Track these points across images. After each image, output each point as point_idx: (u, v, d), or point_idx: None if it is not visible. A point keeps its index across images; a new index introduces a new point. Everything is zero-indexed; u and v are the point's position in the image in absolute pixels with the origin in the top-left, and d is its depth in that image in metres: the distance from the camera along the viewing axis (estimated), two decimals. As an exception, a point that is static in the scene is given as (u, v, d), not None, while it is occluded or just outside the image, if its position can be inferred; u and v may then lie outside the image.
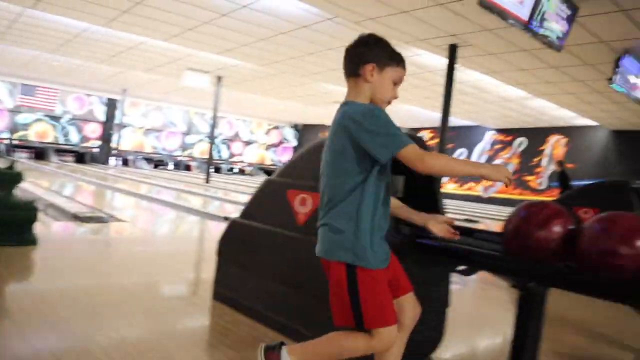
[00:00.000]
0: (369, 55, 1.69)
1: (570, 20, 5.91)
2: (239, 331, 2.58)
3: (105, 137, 23.04)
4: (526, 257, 1.73)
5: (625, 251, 1.53)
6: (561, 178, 12.18)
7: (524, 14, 5.29)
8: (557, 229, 1.70)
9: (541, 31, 5.65)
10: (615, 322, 3.46)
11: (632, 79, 8.21)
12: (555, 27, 5.79)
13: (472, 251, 1.92)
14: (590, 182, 9.36)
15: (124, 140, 23.14)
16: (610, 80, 7.80)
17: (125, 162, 23.36)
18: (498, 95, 12.72)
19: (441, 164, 1.58)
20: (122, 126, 22.06)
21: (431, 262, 2.23)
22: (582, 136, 16.93)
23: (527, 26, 5.42)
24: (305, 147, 2.85)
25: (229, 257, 3.09)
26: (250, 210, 3.01)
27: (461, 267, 2.12)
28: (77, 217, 5.89)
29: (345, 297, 1.59)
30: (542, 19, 5.55)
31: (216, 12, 7.82)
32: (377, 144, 1.54)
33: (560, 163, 12.54)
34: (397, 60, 1.74)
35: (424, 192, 2.56)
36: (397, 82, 1.74)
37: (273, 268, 2.71)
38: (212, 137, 16.18)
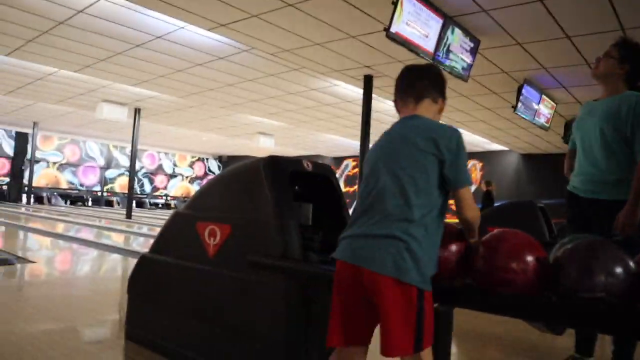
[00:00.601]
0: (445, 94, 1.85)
1: (473, 52, 6.29)
2: (152, 372, 2.47)
3: (16, 173, 21.67)
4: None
5: (514, 266, 1.62)
6: (486, 198, 12.63)
7: (429, 46, 5.57)
8: (454, 247, 1.77)
9: (447, 62, 5.97)
10: (531, 336, 3.61)
11: (535, 106, 8.81)
12: (460, 58, 6.13)
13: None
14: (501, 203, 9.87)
15: (36, 176, 21.85)
16: (514, 108, 8.33)
17: (40, 200, 22.01)
18: (415, 123, 13.18)
19: (477, 217, 1.71)
20: (34, 161, 20.81)
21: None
22: (496, 160, 17.90)
23: (434, 58, 5.71)
24: (210, 179, 2.82)
25: (140, 294, 2.97)
26: (160, 244, 2.91)
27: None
28: (-23, 261, 5.46)
29: (412, 319, 1.52)
30: (448, 51, 5.87)
31: (130, 42, 7.66)
32: (464, 173, 1.64)
33: (488, 183, 13.00)
34: None
35: (333, 220, 2.59)
36: None
37: (185, 303, 2.63)
38: (132, 171, 15.65)
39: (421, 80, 1.82)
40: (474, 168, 18.75)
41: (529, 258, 1.61)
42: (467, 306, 1.76)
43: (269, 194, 2.26)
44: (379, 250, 1.54)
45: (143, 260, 2.97)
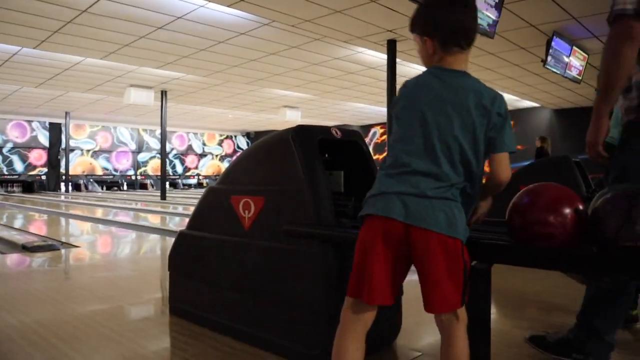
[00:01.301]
0: None
1: (498, 7, 6.11)
2: (200, 344, 2.55)
3: (53, 163, 22.31)
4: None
5: (552, 219, 1.60)
6: (539, 155, 12.20)
7: (453, 3, 5.43)
8: (489, 205, 1.76)
9: (472, 19, 5.81)
10: (570, 292, 3.59)
11: (565, 58, 8.54)
12: (485, 15, 5.97)
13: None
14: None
15: (72, 165, 22.43)
16: (544, 62, 8.09)
17: (77, 187, 22.66)
18: (442, 86, 12.96)
19: (508, 180, 1.65)
20: (69, 150, 21.34)
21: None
22: (527, 118, 17.49)
23: (458, 15, 5.56)
24: (241, 153, 2.85)
25: (181, 270, 3.05)
26: (196, 220, 2.98)
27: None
28: (25, 248, 5.67)
29: (460, 273, 1.54)
30: (472, 8, 5.71)
31: (151, 25, 7.70)
32: (508, 138, 1.59)
33: (542, 139, 12.46)
34: None
35: (365, 186, 2.59)
36: None
37: (225, 276, 2.69)
38: (163, 153, 15.90)
39: (477, 23, 1.66)
40: (505, 127, 18.36)
41: (567, 210, 1.58)
42: (508, 262, 1.75)
43: (299, 163, 2.28)
44: (432, 209, 1.53)
45: (181, 237, 3.05)
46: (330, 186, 2.33)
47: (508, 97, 14.54)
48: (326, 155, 2.56)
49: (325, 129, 2.52)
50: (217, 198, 2.82)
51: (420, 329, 2.80)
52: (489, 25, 6.16)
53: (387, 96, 8.45)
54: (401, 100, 1.66)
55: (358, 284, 1.61)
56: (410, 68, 10.45)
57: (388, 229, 1.56)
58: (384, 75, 8.91)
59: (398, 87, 7.47)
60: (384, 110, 9.35)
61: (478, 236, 1.82)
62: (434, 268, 1.53)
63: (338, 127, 2.64)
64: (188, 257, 2.99)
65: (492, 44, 7.89)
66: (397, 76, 8.51)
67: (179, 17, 7.36)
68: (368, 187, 2.60)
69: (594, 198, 1.66)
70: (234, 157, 28.23)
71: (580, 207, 1.59)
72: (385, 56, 8.57)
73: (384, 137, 21.38)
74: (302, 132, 2.38)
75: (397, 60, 8.56)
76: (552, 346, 2.25)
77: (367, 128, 22.69)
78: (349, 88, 13.19)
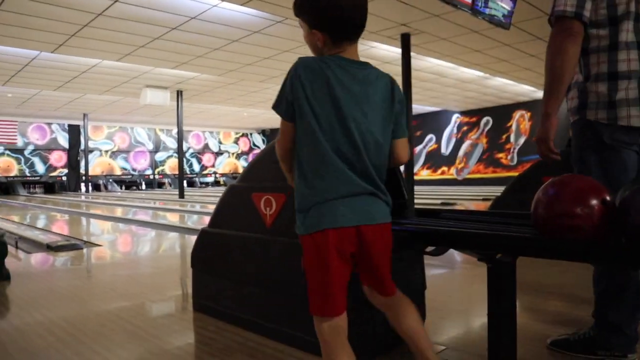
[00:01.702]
0: None
1: (514, -3, 6.05)
2: (223, 339, 2.57)
3: (72, 164, 22.64)
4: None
5: (580, 211, 1.57)
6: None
7: (468, -5, 5.40)
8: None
9: (487, 11, 5.76)
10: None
11: (583, 47, 8.41)
12: (500, 5, 5.90)
13: (437, 230, 1.95)
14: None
15: (92, 165, 22.74)
16: (561, 51, 7.98)
17: (97, 187, 22.99)
18: (457, 78, 12.90)
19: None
20: (88, 151, 21.62)
21: (400, 246, 2.25)
22: (544, 109, 17.24)
23: (472, 8, 5.52)
24: (261, 151, 2.86)
25: (204, 267, 3.08)
26: (218, 218, 3.00)
27: (430, 248, 2.14)
28: (50, 247, 5.77)
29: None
30: (487, 0, 5.66)
31: (166, 26, 7.75)
32: (406, 123, 1.68)
33: None
34: None
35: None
36: None
37: (247, 272, 2.71)
38: (180, 152, 16.02)
39: (365, 21, 1.63)
40: (522, 119, 18.17)
41: (594, 202, 1.56)
42: (534, 255, 1.73)
43: (320, 159, 2.28)
44: (375, 203, 1.59)
45: (203, 234, 3.07)
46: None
47: (525, 88, 14.38)
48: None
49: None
50: (238, 196, 2.84)
51: (444, 323, 2.79)
52: (504, 16, 6.10)
53: (403, 90, 8.41)
54: (307, 87, 1.55)
55: (322, 302, 1.58)
56: (426, 62, 10.38)
57: (340, 237, 1.53)
58: (398, 69, 8.85)
59: (414, 81, 7.39)
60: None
61: (502, 229, 1.80)
62: (383, 255, 1.63)
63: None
64: (210, 254, 3.02)
65: (507, 35, 7.81)
66: (412, 70, 8.45)
67: (192, 18, 7.40)
68: (390, 174, 2.59)
69: (622, 189, 1.64)
70: (250, 156, 28.46)
71: (608, 198, 1.57)
72: (399, 50, 8.52)
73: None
74: (322, 128, 2.38)
75: (412, 54, 8.51)
76: (577, 346, 2.23)
77: (382, 123, 22.59)
78: (364, 83, 13.15)
